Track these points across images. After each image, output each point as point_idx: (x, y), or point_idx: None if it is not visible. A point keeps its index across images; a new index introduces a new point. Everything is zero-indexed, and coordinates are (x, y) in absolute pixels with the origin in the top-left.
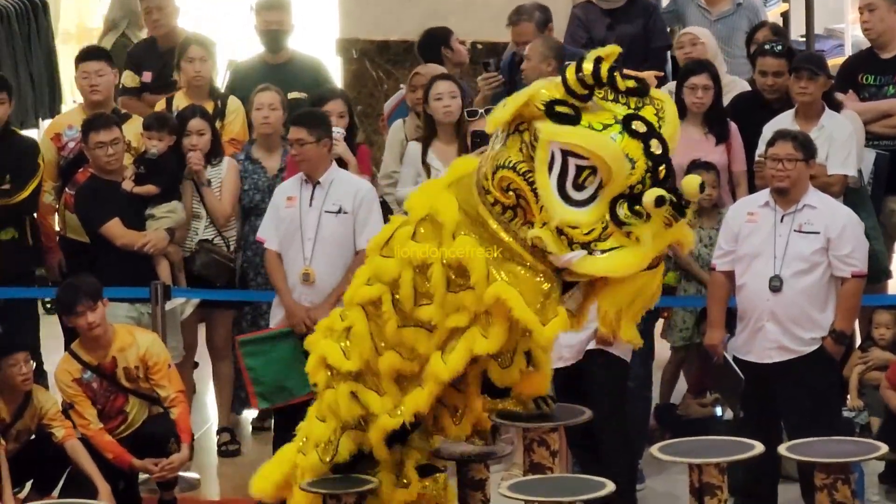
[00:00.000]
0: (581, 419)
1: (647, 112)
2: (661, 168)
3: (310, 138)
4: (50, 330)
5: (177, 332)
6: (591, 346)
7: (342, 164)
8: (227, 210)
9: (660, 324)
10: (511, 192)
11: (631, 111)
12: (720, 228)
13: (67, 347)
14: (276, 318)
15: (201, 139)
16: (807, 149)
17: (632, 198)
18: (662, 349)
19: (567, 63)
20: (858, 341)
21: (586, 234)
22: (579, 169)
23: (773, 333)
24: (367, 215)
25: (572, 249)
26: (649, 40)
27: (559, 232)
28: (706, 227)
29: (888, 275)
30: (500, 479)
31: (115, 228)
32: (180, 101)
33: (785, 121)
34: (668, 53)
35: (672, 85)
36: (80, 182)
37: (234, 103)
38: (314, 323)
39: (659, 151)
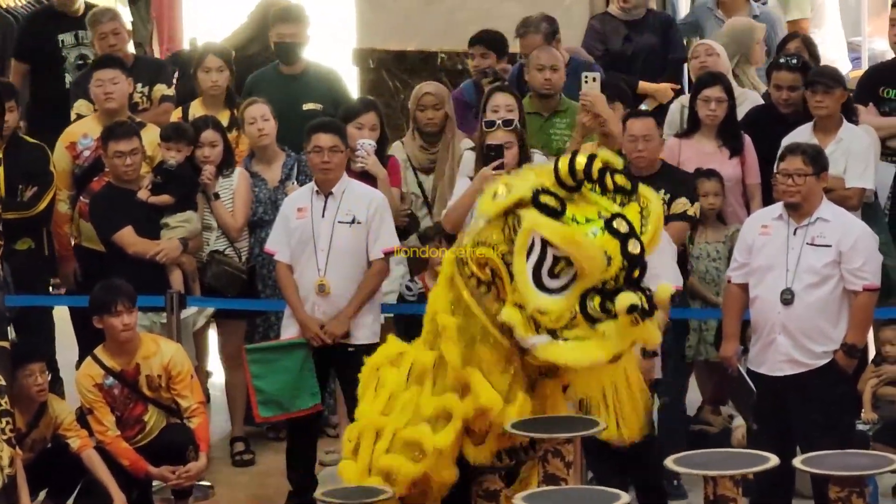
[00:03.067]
0: (596, 430)
1: (632, 209)
2: (636, 269)
3: (343, 146)
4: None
5: (189, 342)
6: None
7: (369, 176)
8: (239, 223)
9: None
10: (487, 269)
11: (616, 208)
12: (730, 242)
13: (82, 355)
14: (289, 332)
15: (214, 151)
16: (817, 162)
17: (603, 293)
18: None
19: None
20: (872, 355)
21: (554, 320)
22: (556, 259)
23: (785, 346)
24: (380, 225)
25: (538, 333)
26: (666, 52)
27: (528, 316)
28: (711, 242)
29: None
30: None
31: (127, 236)
32: (196, 110)
33: (804, 134)
34: (685, 66)
35: (686, 98)
36: (96, 190)
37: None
38: (329, 336)
39: (636, 252)
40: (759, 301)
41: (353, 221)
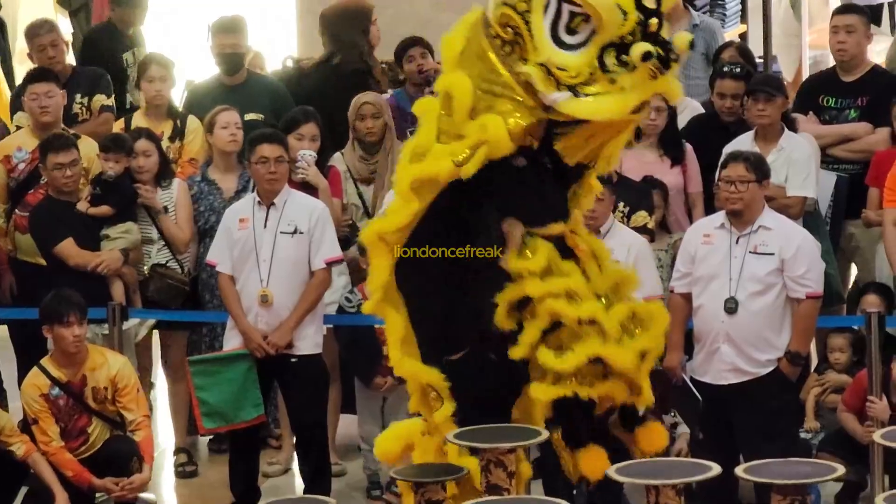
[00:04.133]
0: (537, 440)
1: None
2: (652, 21)
3: (286, 156)
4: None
5: (131, 354)
6: None
7: (310, 187)
8: (186, 235)
9: None
10: (510, 29)
11: None
12: (673, 250)
13: (21, 369)
14: (231, 343)
15: (148, 160)
16: (759, 170)
17: (620, 47)
18: None
19: None
20: (815, 363)
21: (573, 76)
22: (572, 14)
23: (729, 355)
24: (322, 235)
25: (559, 90)
26: None
27: (548, 73)
28: (655, 250)
29: (841, 298)
30: None
31: (68, 248)
32: (139, 121)
33: (744, 142)
34: None
35: None
36: (32, 203)
37: (193, 123)
38: (272, 347)
39: (652, 6)
40: (702, 310)
41: (295, 232)
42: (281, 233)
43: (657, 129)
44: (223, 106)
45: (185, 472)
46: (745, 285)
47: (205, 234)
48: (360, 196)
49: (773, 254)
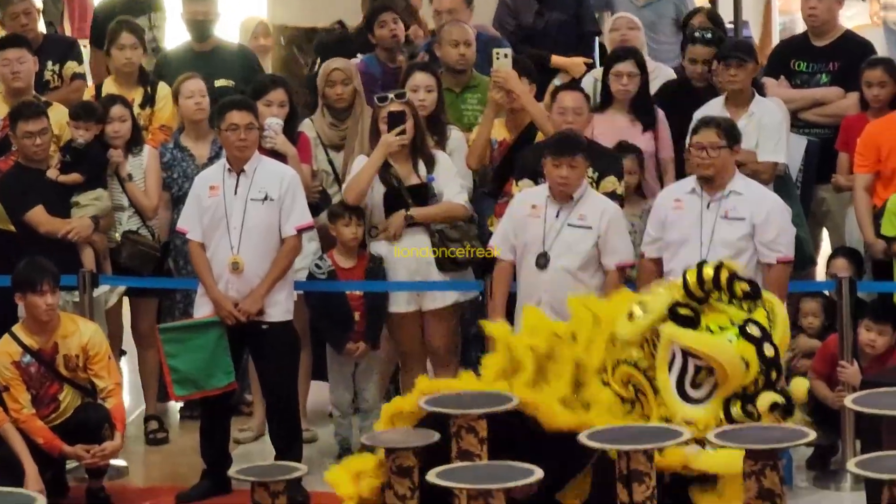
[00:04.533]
0: (509, 405)
1: (759, 315)
2: (773, 371)
3: (256, 123)
4: None
5: (101, 321)
6: None
7: (281, 154)
8: (153, 202)
9: None
10: (631, 386)
11: (745, 314)
12: (648, 216)
13: None
14: (202, 311)
15: (123, 126)
16: (730, 135)
17: (744, 397)
18: None
19: (687, 267)
20: None
21: (701, 429)
22: (697, 369)
23: None
24: (292, 202)
25: (688, 445)
26: (578, 27)
27: None
28: (629, 216)
29: (813, 262)
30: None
31: (38, 216)
32: (109, 88)
33: (715, 108)
34: (597, 40)
35: (599, 72)
36: (2, 171)
37: (163, 90)
38: (243, 314)
39: (771, 354)
40: (673, 275)
41: (265, 199)
42: (251, 200)
43: (629, 94)
44: (187, 74)
45: (156, 438)
46: (716, 250)
47: (179, 200)
48: (331, 162)
49: (743, 219)
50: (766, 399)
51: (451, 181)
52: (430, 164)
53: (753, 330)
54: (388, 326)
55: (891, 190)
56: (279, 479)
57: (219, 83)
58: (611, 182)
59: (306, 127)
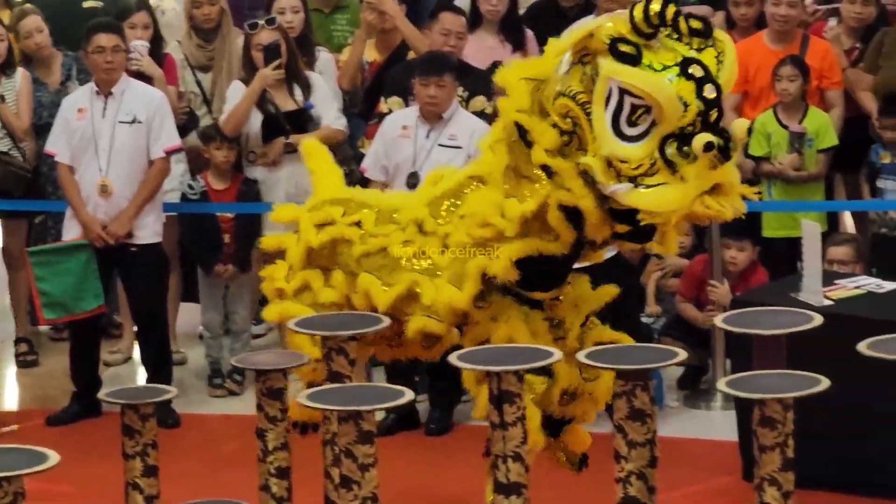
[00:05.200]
0: (380, 327)
1: (708, 55)
2: (712, 112)
3: (123, 45)
4: None
5: None
6: None
7: (147, 78)
8: (25, 124)
9: None
10: (569, 119)
11: (692, 53)
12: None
13: None
14: (71, 233)
15: (1, 45)
16: None
17: (682, 138)
18: None
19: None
20: None
21: (634, 168)
22: (634, 107)
23: None
24: (160, 124)
25: (619, 182)
26: None
27: (608, 164)
28: None
29: None
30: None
31: None
32: None
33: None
34: None
35: None
36: None
37: None
38: (112, 236)
39: (712, 96)
40: None
41: (133, 121)
42: (119, 122)
43: (498, 14)
44: (21, 10)
45: (26, 361)
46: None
47: (39, 129)
48: (199, 83)
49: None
50: (700, 139)
51: (329, 106)
52: (307, 88)
53: (696, 70)
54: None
55: (759, 110)
56: (149, 401)
57: (87, 4)
58: (480, 101)
59: (173, 48)
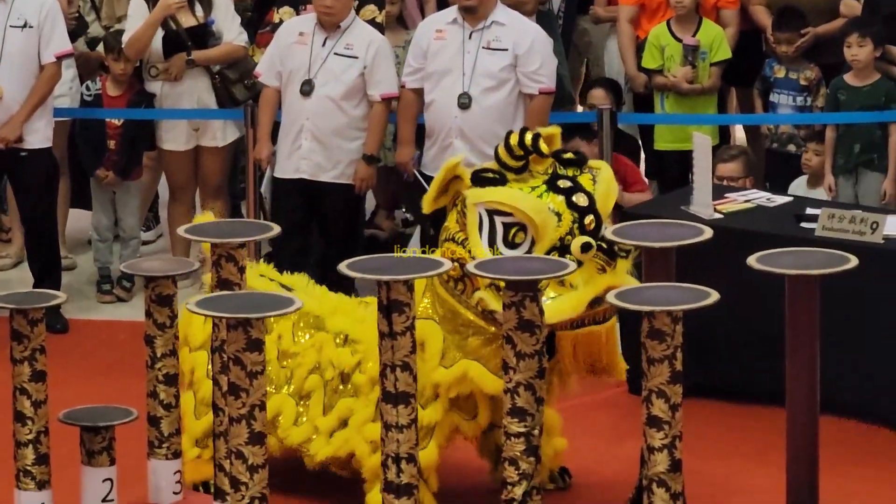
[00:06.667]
0: (271, 234)
1: (584, 179)
2: (587, 218)
3: None
4: None
5: None
6: None
7: None
8: None
9: None
10: (456, 264)
11: (562, 172)
12: (409, 46)
13: None
14: None
15: None
16: None
17: (563, 249)
18: None
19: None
20: None
21: None
22: (507, 226)
23: (461, 150)
24: (52, 29)
25: None
26: None
27: (498, 290)
28: (393, 46)
29: (572, 101)
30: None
31: None
32: None
33: None
34: None
35: None
36: None
37: None
38: (2, 141)
39: (584, 203)
40: (434, 106)
41: (24, 26)
42: (10, 27)
43: None
44: None
45: None
46: (478, 80)
47: None
48: None
49: (506, 49)
50: (576, 242)
51: (231, 22)
52: (207, 4)
53: (563, 182)
54: (163, 162)
55: (654, 22)
56: (38, 306)
57: None
58: (370, 10)
59: None
